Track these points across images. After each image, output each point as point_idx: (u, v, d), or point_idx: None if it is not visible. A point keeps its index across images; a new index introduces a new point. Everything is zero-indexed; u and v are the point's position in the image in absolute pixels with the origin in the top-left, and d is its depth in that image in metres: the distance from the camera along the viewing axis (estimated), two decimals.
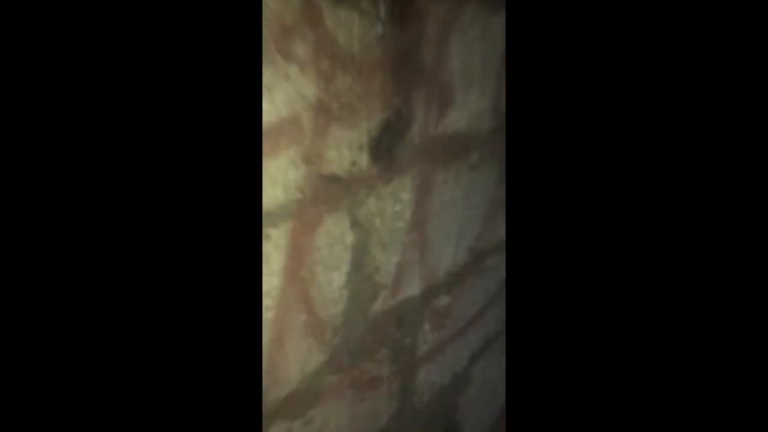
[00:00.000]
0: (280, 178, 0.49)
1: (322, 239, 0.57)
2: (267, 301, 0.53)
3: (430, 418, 0.94)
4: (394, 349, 0.77)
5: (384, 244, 0.67)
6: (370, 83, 0.55)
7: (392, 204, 0.66)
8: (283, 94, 0.46)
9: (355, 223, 0.61)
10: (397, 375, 0.79)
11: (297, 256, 0.54)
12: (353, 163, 0.57)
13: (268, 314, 0.53)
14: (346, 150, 0.55)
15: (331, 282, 0.60)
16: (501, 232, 0.93)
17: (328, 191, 0.55)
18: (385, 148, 0.61)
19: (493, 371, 1.10)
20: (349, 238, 0.61)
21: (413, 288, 0.76)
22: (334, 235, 0.58)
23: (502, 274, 0.97)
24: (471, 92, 0.73)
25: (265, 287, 0.52)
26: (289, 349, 0.56)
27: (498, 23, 0.69)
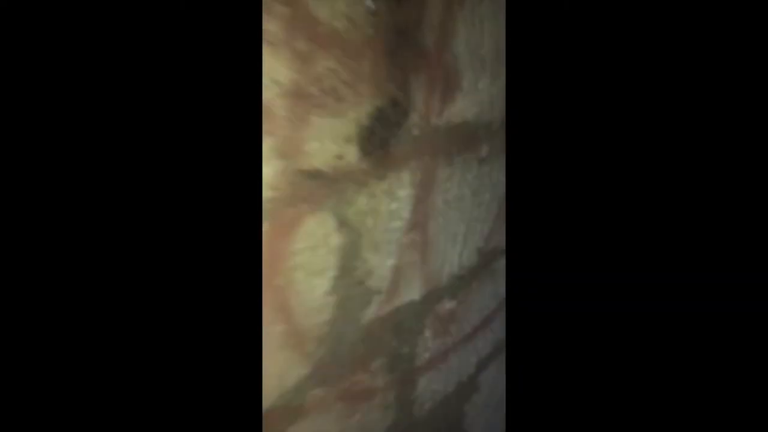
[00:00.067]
0: None
1: (302, 242, 0.50)
2: None
3: (433, 428, 0.88)
4: (391, 358, 0.71)
5: (377, 246, 0.60)
6: (358, 67, 0.48)
7: (387, 202, 0.59)
8: None
9: (343, 224, 0.54)
10: (393, 385, 0.73)
11: (271, 261, 0.48)
12: (339, 157, 0.51)
13: None
14: (329, 142, 0.49)
15: (314, 289, 0.54)
16: None
17: (308, 188, 0.49)
18: (378, 140, 0.54)
19: (502, 376, 1.04)
20: (336, 240, 0.54)
21: (413, 292, 0.70)
22: (317, 237, 0.52)
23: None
24: (481, 78, 0.66)
25: None
26: (264, 363, 0.51)
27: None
